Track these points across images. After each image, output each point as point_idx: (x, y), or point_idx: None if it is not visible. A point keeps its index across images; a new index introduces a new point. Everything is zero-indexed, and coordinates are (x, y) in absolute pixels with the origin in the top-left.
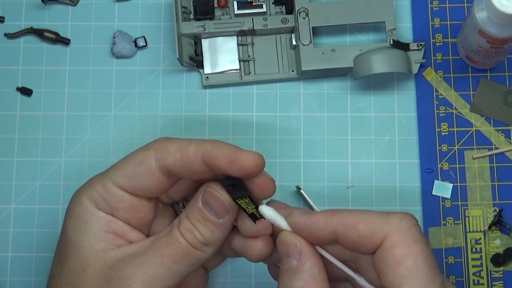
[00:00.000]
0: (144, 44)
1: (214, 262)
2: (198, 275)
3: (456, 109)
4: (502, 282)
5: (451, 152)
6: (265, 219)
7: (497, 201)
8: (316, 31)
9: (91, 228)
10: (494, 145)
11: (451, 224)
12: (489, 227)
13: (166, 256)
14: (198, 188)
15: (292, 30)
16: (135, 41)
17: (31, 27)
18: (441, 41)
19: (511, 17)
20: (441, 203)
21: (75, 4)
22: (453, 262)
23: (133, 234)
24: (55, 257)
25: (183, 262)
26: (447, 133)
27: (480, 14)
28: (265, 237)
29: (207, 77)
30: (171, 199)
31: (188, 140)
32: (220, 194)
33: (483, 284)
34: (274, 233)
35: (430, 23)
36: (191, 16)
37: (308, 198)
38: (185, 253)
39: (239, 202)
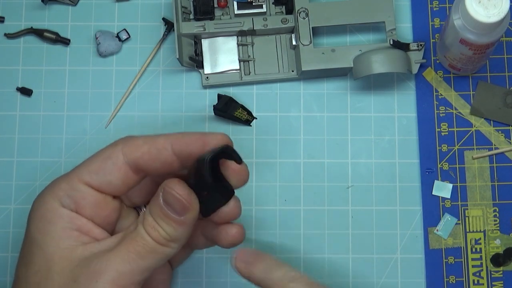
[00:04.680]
0: (128, 37)
1: (180, 257)
2: (163, 270)
3: (456, 109)
4: (502, 282)
5: (451, 152)
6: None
7: (497, 201)
8: (316, 31)
9: (55, 227)
10: (494, 145)
11: None
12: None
13: (132, 253)
14: None
15: (292, 30)
16: (117, 36)
17: (31, 27)
18: None
19: (487, 26)
20: (441, 203)
21: (75, 4)
22: (453, 262)
23: (98, 231)
24: (19, 261)
25: (150, 258)
26: (447, 133)
27: (459, 23)
28: (238, 224)
29: (207, 77)
30: (134, 203)
31: (154, 135)
32: (178, 193)
33: (483, 284)
34: None
35: (430, 23)
36: (191, 16)
37: None
38: (151, 249)
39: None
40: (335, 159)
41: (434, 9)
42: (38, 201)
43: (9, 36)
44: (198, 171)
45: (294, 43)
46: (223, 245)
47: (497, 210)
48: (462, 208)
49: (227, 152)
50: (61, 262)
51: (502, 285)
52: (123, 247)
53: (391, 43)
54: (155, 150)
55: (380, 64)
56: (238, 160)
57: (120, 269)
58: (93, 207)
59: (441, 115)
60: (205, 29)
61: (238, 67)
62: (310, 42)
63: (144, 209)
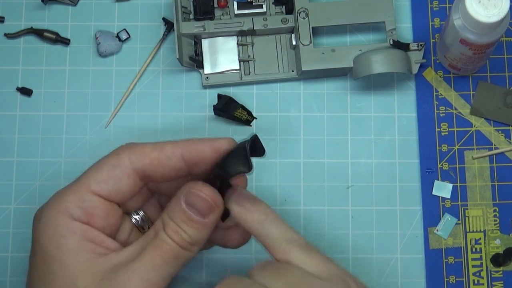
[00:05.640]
0: (128, 37)
1: None
2: None
3: (456, 109)
4: (502, 282)
5: (451, 152)
6: None
7: (497, 201)
8: (316, 31)
9: (69, 241)
10: (494, 145)
11: None
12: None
13: (157, 260)
14: (150, 199)
15: (292, 30)
16: (117, 36)
17: (31, 27)
18: None
19: (487, 26)
20: (441, 203)
21: (75, 4)
22: (453, 262)
23: (109, 241)
24: (34, 278)
25: (174, 263)
26: (447, 133)
27: (459, 23)
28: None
29: (207, 77)
30: (127, 209)
31: (160, 142)
32: (204, 194)
33: (483, 284)
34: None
35: (430, 23)
36: (191, 16)
37: None
38: (175, 254)
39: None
40: (335, 159)
41: (434, 9)
42: (45, 216)
43: (9, 36)
44: (217, 174)
45: (294, 43)
46: (233, 246)
47: (497, 210)
48: (462, 208)
49: (256, 142)
50: (84, 276)
51: (502, 285)
52: (147, 255)
53: (391, 43)
54: (164, 157)
55: (380, 64)
56: (263, 151)
57: (147, 277)
58: (104, 217)
59: (441, 115)
60: (205, 29)
61: (238, 67)
62: (310, 42)
63: (134, 214)
